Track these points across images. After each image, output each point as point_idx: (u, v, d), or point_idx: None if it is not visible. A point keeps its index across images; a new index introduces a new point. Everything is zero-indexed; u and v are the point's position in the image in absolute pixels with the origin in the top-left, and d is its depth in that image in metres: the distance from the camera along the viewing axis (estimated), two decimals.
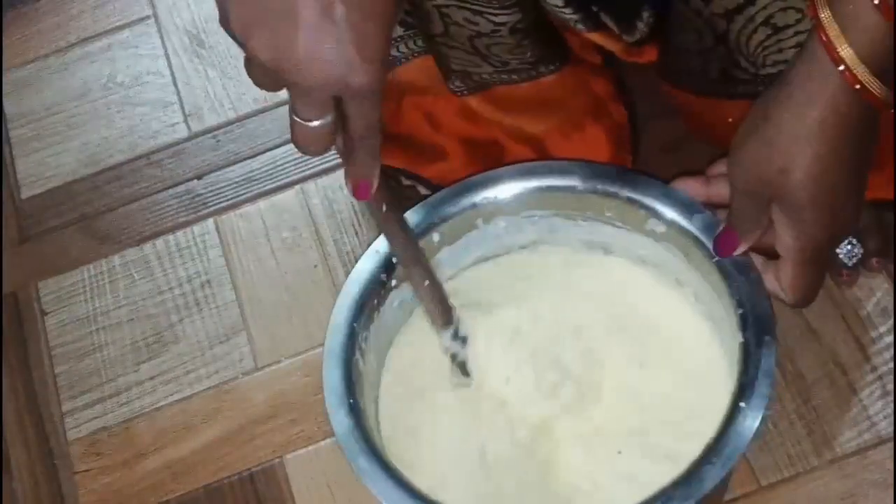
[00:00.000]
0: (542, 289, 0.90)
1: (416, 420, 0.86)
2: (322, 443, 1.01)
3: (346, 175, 0.74)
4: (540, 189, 0.87)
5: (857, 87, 0.68)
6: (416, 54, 0.96)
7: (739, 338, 0.78)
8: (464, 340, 0.87)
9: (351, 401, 0.80)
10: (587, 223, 0.88)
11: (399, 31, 0.94)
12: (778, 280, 0.79)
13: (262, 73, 0.68)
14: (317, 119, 0.69)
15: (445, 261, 0.89)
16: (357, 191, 0.75)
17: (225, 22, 0.67)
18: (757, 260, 0.81)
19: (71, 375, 1.09)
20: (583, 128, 0.99)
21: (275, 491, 1.00)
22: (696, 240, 0.83)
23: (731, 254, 0.80)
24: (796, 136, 0.71)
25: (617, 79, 1.02)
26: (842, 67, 0.68)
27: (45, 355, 1.11)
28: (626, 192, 0.86)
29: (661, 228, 0.85)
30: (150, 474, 1.03)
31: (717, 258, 0.81)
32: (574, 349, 0.87)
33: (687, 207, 0.84)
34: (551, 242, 0.91)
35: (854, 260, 0.97)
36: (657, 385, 0.85)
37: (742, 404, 0.75)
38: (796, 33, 0.79)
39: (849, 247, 0.97)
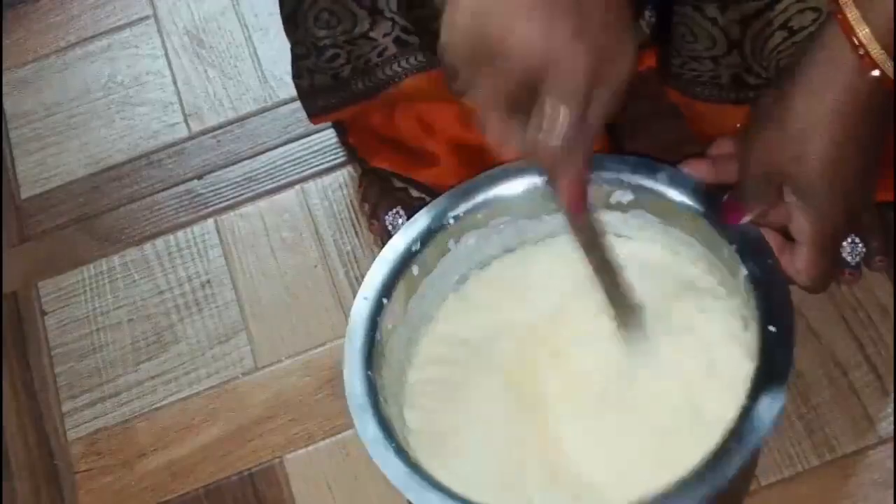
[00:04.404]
0: (525, 288, 0.89)
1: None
2: (322, 443, 1.01)
3: (558, 183, 0.71)
4: (501, 197, 0.87)
5: (876, 72, 0.67)
6: (409, 73, 0.97)
7: (743, 270, 0.78)
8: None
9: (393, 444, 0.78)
10: (551, 217, 0.87)
11: (393, 49, 0.94)
12: (793, 264, 0.78)
13: (505, 82, 0.66)
14: (577, 110, 0.67)
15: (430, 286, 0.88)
16: (574, 204, 0.73)
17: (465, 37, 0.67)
18: (775, 241, 0.79)
19: (71, 375, 1.09)
20: None
21: (275, 491, 1.00)
22: (668, 198, 0.82)
23: (737, 222, 0.79)
24: (812, 121, 0.71)
25: None
26: (861, 52, 0.67)
27: (45, 355, 1.11)
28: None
29: (627, 198, 0.84)
30: (150, 474, 1.03)
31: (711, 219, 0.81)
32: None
33: (648, 168, 0.83)
34: (523, 244, 0.90)
35: (857, 258, 0.97)
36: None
37: (771, 328, 0.75)
38: (811, 35, 0.79)
39: (852, 245, 0.97)
